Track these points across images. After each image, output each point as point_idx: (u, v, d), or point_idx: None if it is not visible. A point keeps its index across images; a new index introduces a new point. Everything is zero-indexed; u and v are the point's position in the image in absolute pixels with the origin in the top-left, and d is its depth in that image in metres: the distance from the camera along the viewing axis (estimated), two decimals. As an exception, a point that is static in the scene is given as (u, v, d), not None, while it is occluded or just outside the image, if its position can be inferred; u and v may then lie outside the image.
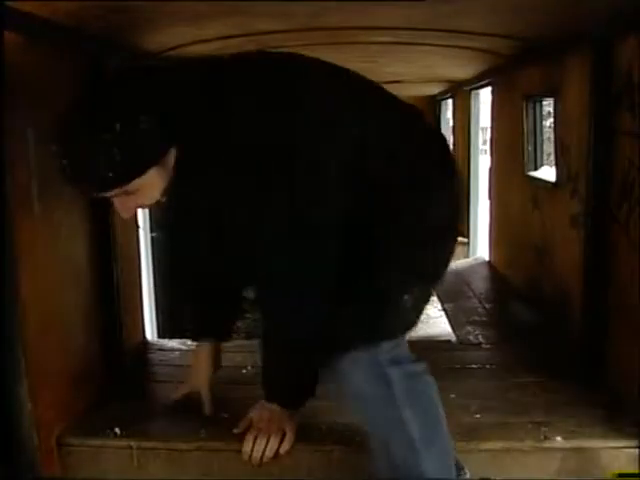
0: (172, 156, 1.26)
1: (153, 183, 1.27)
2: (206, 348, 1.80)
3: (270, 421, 1.59)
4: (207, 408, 1.79)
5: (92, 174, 1.19)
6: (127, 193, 1.26)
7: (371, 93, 1.49)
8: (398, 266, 1.44)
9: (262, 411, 1.60)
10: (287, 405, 1.59)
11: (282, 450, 1.59)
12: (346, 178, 1.35)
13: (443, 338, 3.14)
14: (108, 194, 1.25)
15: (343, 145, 1.35)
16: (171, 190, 1.30)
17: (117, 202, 1.29)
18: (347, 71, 1.46)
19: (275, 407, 1.58)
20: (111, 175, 1.18)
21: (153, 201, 1.31)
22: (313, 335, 1.42)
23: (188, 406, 1.81)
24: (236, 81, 1.33)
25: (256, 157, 1.27)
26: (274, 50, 1.49)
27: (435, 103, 6.38)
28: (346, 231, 1.37)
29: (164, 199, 1.31)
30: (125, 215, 1.33)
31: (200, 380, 1.81)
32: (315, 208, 1.32)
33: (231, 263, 1.64)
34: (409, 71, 4.23)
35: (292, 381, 1.53)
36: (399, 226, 1.44)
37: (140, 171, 1.22)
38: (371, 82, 1.50)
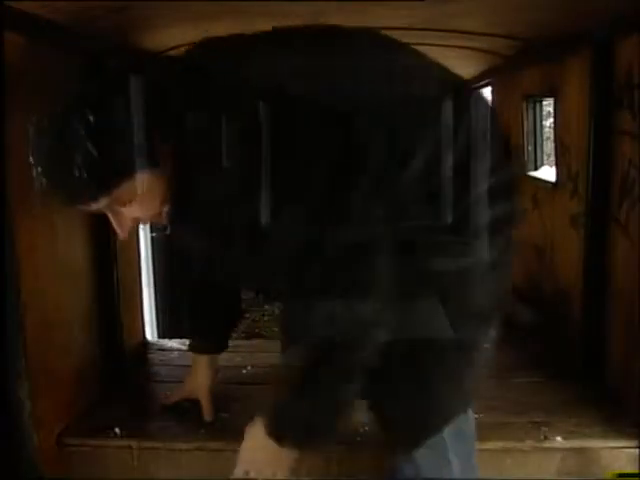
0: (169, 158, 1.10)
1: (147, 191, 1.10)
2: (205, 355, 1.80)
3: (264, 465, 1.27)
4: (207, 414, 1.78)
5: (65, 179, 1.05)
6: (119, 203, 1.11)
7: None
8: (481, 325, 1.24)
9: (256, 451, 1.27)
10: (295, 446, 1.25)
11: None
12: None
13: (443, 338, 3.13)
14: (94, 205, 1.10)
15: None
16: (176, 200, 1.14)
17: (112, 218, 1.15)
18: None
19: (275, 446, 1.23)
20: (87, 179, 1.03)
21: (153, 214, 1.17)
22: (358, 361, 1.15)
23: (188, 406, 1.81)
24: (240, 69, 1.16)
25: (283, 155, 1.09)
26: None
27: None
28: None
29: (168, 210, 1.16)
30: (122, 234, 1.17)
31: (199, 386, 1.80)
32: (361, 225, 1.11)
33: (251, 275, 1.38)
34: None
35: (314, 420, 1.19)
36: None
37: (122, 175, 1.06)
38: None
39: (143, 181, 1.09)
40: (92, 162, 1.03)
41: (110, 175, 1.06)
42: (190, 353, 1.83)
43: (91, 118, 1.02)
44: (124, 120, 1.04)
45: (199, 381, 1.80)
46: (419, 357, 1.19)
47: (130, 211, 1.14)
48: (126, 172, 1.07)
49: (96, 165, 1.04)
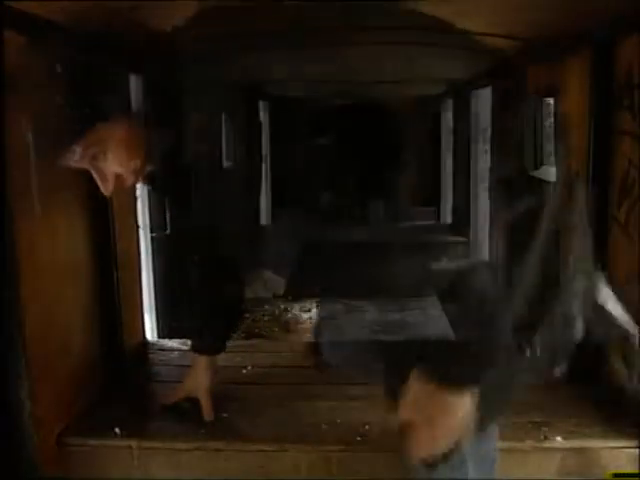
0: (142, 112, 1.24)
1: (119, 143, 1.19)
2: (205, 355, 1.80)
3: (437, 412, 1.15)
4: (207, 414, 1.78)
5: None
6: (95, 155, 1.19)
7: None
8: None
9: (427, 399, 1.16)
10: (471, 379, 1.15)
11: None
12: None
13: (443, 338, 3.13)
14: (73, 158, 1.18)
15: None
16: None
17: (94, 174, 1.22)
18: None
19: (445, 391, 1.15)
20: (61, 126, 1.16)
21: (132, 170, 1.23)
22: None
23: (187, 407, 1.81)
24: None
25: None
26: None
27: (435, 103, 6.38)
28: None
29: (151, 167, 1.23)
30: (105, 190, 1.24)
31: (198, 386, 1.80)
32: None
33: None
34: (409, 71, 4.23)
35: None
36: None
37: (88, 123, 1.16)
38: None
39: (112, 132, 1.17)
40: (61, 109, 1.15)
41: (78, 122, 1.16)
42: (190, 353, 1.83)
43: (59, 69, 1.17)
44: (94, 75, 1.17)
45: (198, 381, 1.80)
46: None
47: (109, 166, 1.20)
48: (91, 121, 1.16)
49: (66, 112, 1.15)
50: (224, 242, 1.62)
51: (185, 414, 1.79)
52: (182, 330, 2.70)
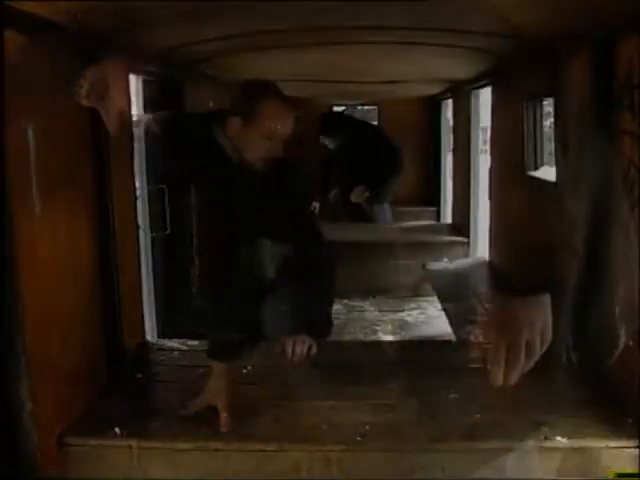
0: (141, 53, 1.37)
1: (123, 78, 1.33)
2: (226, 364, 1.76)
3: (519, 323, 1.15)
4: (223, 425, 1.72)
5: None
6: (99, 92, 1.30)
7: None
8: None
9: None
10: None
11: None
12: None
13: (443, 338, 3.15)
14: (80, 93, 1.31)
15: None
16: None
17: (102, 113, 1.34)
18: None
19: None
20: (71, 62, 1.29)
21: (129, 108, 1.36)
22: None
23: (208, 414, 1.79)
24: None
25: None
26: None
27: (435, 103, 6.38)
28: None
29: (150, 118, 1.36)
30: (111, 129, 1.36)
31: (217, 395, 1.76)
32: None
33: None
34: (409, 71, 4.23)
35: None
36: None
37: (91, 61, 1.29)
38: None
39: (116, 67, 1.32)
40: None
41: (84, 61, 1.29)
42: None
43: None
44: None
45: (217, 390, 1.76)
46: None
47: (113, 102, 1.32)
48: (93, 59, 1.31)
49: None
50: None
51: (205, 422, 1.73)
52: (182, 330, 2.69)
